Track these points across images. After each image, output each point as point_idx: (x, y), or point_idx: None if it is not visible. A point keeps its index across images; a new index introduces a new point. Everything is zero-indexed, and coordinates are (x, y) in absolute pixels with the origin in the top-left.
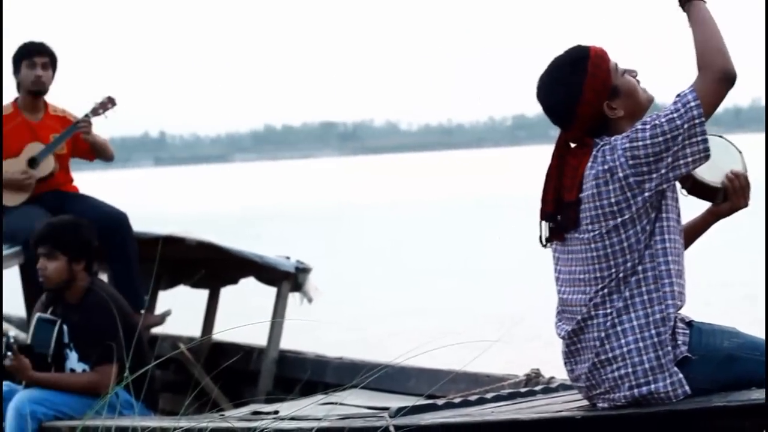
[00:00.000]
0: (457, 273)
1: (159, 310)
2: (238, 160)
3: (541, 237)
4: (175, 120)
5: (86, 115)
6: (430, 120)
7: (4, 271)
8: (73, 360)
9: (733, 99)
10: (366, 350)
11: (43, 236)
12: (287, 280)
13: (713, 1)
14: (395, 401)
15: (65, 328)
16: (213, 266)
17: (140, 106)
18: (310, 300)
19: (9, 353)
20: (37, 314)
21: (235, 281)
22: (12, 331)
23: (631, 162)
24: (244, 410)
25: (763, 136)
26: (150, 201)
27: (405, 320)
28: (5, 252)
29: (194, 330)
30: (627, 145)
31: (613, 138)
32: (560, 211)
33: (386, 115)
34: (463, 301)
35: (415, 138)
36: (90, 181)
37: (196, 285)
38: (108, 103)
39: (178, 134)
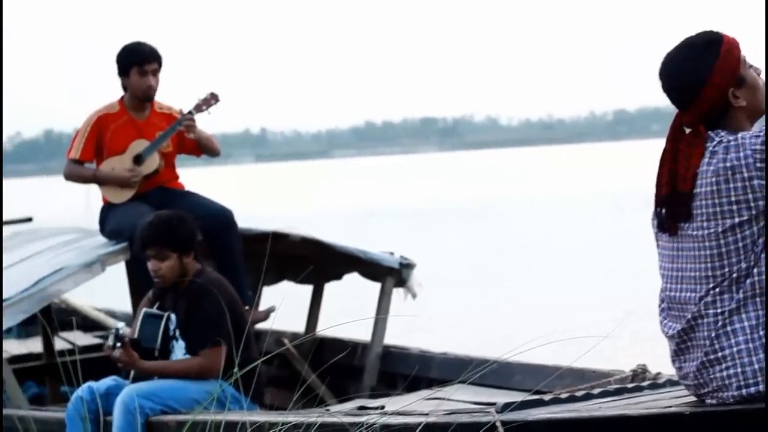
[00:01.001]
0: (561, 268)
1: (263, 305)
2: (339, 156)
3: (655, 223)
4: (276, 116)
5: (189, 112)
6: (530, 115)
7: (111, 267)
8: (179, 352)
9: None
10: (471, 346)
11: (150, 237)
12: (391, 275)
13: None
14: (501, 397)
15: (173, 318)
16: (317, 262)
17: (241, 102)
18: (414, 296)
19: (118, 344)
20: (144, 309)
21: (339, 277)
22: (120, 323)
23: (759, 165)
24: (350, 405)
25: None
26: (251, 197)
27: (510, 316)
28: (113, 248)
29: (298, 326)
30: (758, 147)
31: (740, 135)
32: (674, 198)
33: (486, 110)
34: (569, 298)
35: (515, 133)
36: (192, 177)
37: (300, 281)
38: (211, 99)
39: (279, 130)
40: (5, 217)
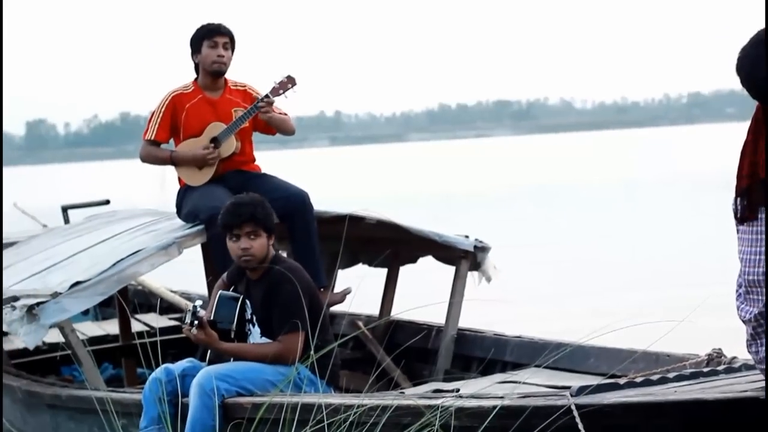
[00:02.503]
0: (637, 253)
1: (338, 288)
2: (414, 139)
3: (736, 212)
4: (351, 99)
5: (266, 96)
6: (604, 98)
7: (188, 249)
8: (255, 335)
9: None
10: (545, 330)
11: (248, 215)
12: (466, 258)
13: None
14: (575, 381)
15: (248, 303)
16: (392, 245)
17: (316, 85)
18: (488, 279)
19: (195, 321)
20: (220, 291)
21: (414, 260)
22: (198, 301)
23: None
24: (425, 388)
25: None
26: (326, 180)
27: (584, 300)
28: (189, 231)
29: (372, 309)
30: None
31: None
32: (754, 187)
33: (560, 93)
34: (644, 281)
35: (589, 116)
36: (267, 160)
37: (374, 264)
38: (288, 83)
39: (354, 113)
40: (83, 200)
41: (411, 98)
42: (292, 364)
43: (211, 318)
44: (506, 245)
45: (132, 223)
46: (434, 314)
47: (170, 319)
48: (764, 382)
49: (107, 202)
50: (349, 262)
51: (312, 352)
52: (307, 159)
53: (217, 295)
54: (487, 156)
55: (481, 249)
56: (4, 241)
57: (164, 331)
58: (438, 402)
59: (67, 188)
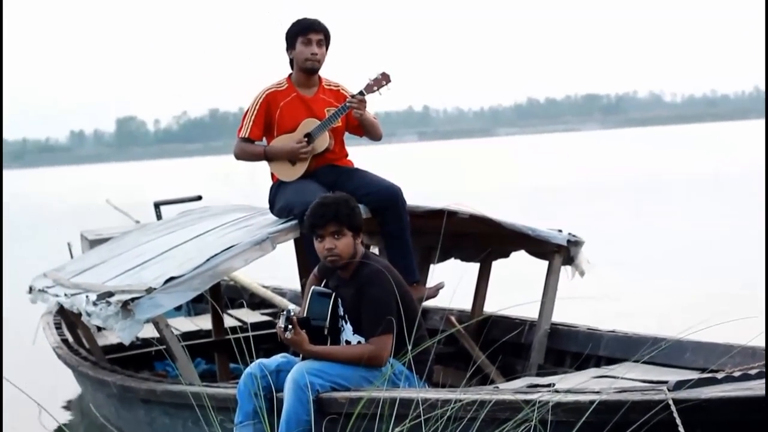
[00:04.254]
0: (729, 247)
1: (430, 283)
2: (502, 134)
3: None
4: (439, 94)
5: (360, 92)
6: (694, 91)
7: (281, 245)
8: (348, 332)
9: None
10: (640, 324)
11: (331, 215)
12: (559, 253)
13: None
14: (671, 375)
15: (339, 301)
16: (484, 240)
17: (404, 80)
18: (582, 273)
19: (290, 326)
20: (313, 287)
21: (506, 255)
22: (291, 306)
23: None
24: (519, 383)
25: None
26: (415, 175)
27: (679, 294)
28: (283, 226)
29: (464, 302)
30: None
31: None
32: None
33: (650, 86)
34: (737, 275)
35: (679, 109)
36: (357, 156)
37: (467, 258)
38: (382, 80)
39: (442, 108)
40: (176, 196)
41: (499, 92)
42: (383, 366)
43: (305, 315)
44: (598, 239)
45: (225, 219)
46: (527, 309)
47: (262, 314)
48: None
49: (199, 198)
50: (442, 257)
51: (409, 348)
52: (395, 154)
53: (310, 292)
54: (576, 150)
55: (575, 243)
56: (98, 237)
57: (256, 326)
58: (534, 397)
59: (156, 184)
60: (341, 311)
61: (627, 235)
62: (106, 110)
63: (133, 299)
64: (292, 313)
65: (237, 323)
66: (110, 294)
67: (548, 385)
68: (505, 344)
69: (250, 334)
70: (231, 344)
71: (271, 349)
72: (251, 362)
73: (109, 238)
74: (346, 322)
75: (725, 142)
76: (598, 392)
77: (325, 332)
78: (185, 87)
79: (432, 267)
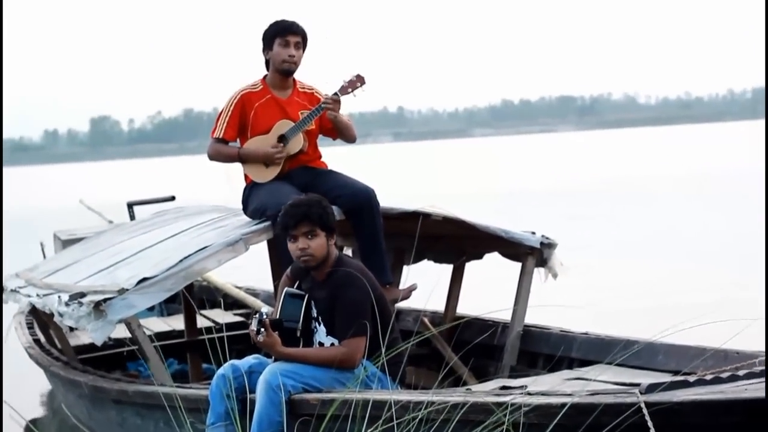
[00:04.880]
0: (703, 249)
1: (404, 284)
2: (477, 134)
3: None
4: (414, 95)
5: (335, 94)
6: (668, 93)
7: (254, 246)
8: (321, 334)
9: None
10: (611, 326)
11: (303, 215)
12: (532, 255)
13: None
14: (643, 378)
15: (312, 302)
16: (457, 241)
17: (379, 81)
18: (555, 276)
19: (262, 329)
20: (286, 289)
21: (479, 257)
22: (264, 308)
23: None
24: (492, 385)
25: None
26: (390, 176)
27: (651, 298)
28: (256, 227)
29: (437, 304)
30: None
31: None
32: None
33: (624, 88)
34: (712, 279)
35: (653, 111)
36: (331, 157)
37: (440, 260)
38: (357, 82)
39: (417, 109)
40: (149, 196)
41: (474, 94)
42: (356, 368)
43: (278, 317)
44: (571, 241)
45: (199, 219)
46: (499, 309)
47: (235, 314)
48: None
49: (173, 198)
50: (416, 258)
51: (383, 351)
52: (370, 155)
53: (283, 293)
54: (551, 151)
55: (548, 245)
56: (71, 237)
57: (230, 326)
58: (506, 399)
59: (130, 184)
60: (314, 313)
61: (601, 237)
62: (80, 109)
63: (105, 300)
64: (264, 316)
65: (210, 324)
66: (82, 294)
67: (520, 387)
68: (477, 346)
69: (225, 334)
70: (204, 345)
71: (243, 350)
72: (224, 363)
73: (82, 238)
74: (319, 324)
75: (700, 143)
76: (570, 395)
77: (298, 334)
78: (159, 87)
79: (405, 269)
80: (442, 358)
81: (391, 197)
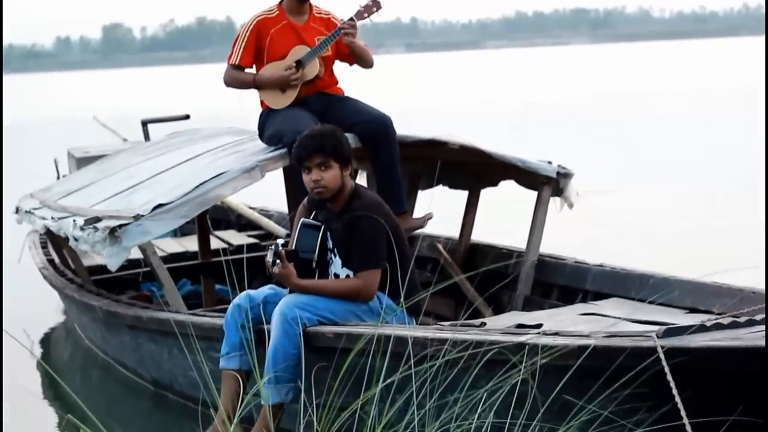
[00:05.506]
0: (716, 169)
1: (417, 209)
2: (490, 46)
3: None
4: (427, 5)
5: (351, 19)
6: (683, 7)
7: (270, 173)
8: (337, 265)
9: None
10: (626, 258)
11: (316, 147)
12: (548, 184)
13: None
14: (658, 315)
15: (328, 234)
16: (473, 168)
17: None
18: (570, 205)
19: (278, 260)
20: (302, 220)
21: (494, 184)
22: (280, 240)
23: None
24: (506, 319)
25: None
26: (402, 88)
27: (667, 226)
28: (272, 154)
29: (453, 230)
30: None
31: None
32: None
33: (638, 1)
34: (726, 202)
35: (667, 25)
36: (344, 69)
37: (455, 186)
38: (373, 6)
39: (430, 20)
40: (162, 109)
41: (488, 5)
42: (371, 300)
43: (293, 247)
44: (583, 161)
45: (214, 143)
46: (514, 238)
47: (249, 236)
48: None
49: (187, 116)
50: (429, 184)
51: (400, 285)
52: (383, 66)
53: (299, 224)
54: (563, 65)
55: (564, 175)
56: (85, 155)
57: (242, 248)
58: (522, 339)
59: (143, 94)
60: (330, 244)
61: (613, 157)
62: (93, 17)
63: (120, 226)
64: (280, 247)
65: (223, 245)
66: (98, 219)
67: (536, 326)
68: (492, 273)
69: (239, 256)
70: (218, 266)
71: (256, 272)
72: (237, 285)
73: (96, 156)
74: (335, 255)
75: (715, 58)
76: (586, 335)
77: (314, 265)
78: None
79: (420, 193)
80: (457, 285)
81: (403, 110)
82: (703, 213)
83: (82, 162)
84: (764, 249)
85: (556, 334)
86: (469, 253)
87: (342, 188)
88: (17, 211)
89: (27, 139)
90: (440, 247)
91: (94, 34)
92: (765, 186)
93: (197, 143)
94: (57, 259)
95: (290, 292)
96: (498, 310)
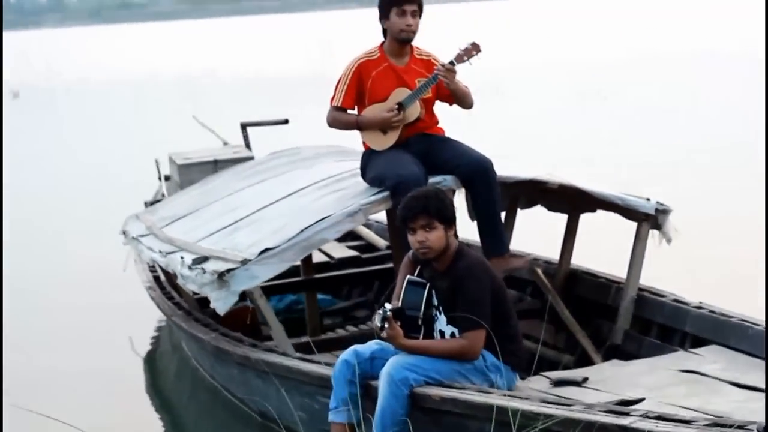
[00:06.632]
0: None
1: (516, 231)
2: None
3: None
4: None
5: (451, 62)
6: None
7: (374, 216)
8: (442, 322)
9: None
10: (728, 298)
11: (421, 208)
12: (647, 221)
13: None
14: (756, 372)
15: (433, 292)
16: (572, 195)
17: None
18: (669, 240)
19: (385, 325)
20: (408, 277)
21: (593, 210)
22: (388, 305)
23: None
24: (607, 370)
25: None
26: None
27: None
28: (375, 197)
29: (552, 253)
30: None
31: None
32: None
33: None
34: None
35: None
36: (430, 14)
37: (553, 208)
38: (473, 50)
39: None
40: (263, 118)
41: None
42: (477, 359)
43: (400, 305)
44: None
45: (316, 173)
46: (613, 265)
47: (349, 247)
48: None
49: (286, 121)
50: (528, 204)
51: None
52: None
53: (405, 282)
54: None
55: (662, 212)
56: (186, 162)
57: (344, 262)
58: (626, 422)
59: (234, 47)
60: (435, 302)
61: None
62: None
63: (228, 270)
64: (388, 312)
65: (325, 258)
66: (205, 259)
67: (638, 401)
68: (590, 302)
69: (345, 272)
70: (320, 282)
71: (356, 284)
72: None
73: (197, 164)
74: (440, 313)
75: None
76: (689, 422)
77: (419, 322)
78: None
79: (520, 213)
80: (554, 309)
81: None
82: None
83: (183, 169)
84: None
85: (659, 418)
86: (568, 279)
87: (446, 248)
88: (124, 234)
89: (123, 90)
90: (539, 271)
91: None
92: None
93: (298, 169)
94: (163, 276)
95: (396, 350)
96: (596, 339)
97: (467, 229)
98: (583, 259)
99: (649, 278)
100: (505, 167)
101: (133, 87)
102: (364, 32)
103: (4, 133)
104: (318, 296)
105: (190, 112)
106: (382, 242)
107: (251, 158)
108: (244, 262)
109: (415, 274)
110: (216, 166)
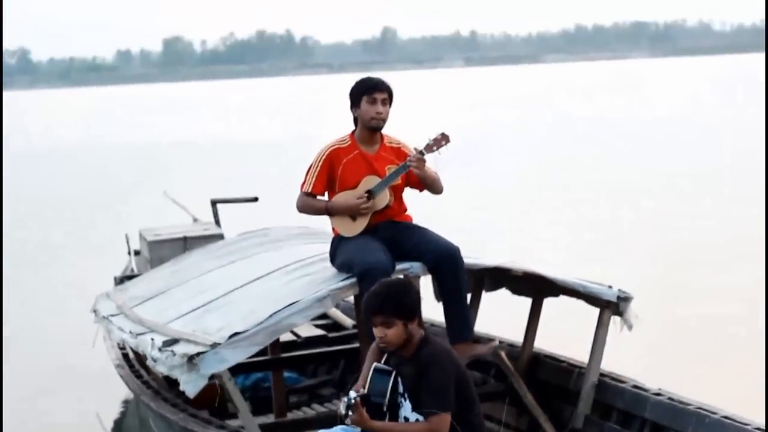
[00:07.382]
0: None
1: (481, 312)
2: (549, 60)
3: None
4: (487, 19)
5: (420, 152)
6: (744, 20)
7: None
8: (407, 409)
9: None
10: (687, 386)
11: (376, 306)
12: (608, 308)
13: None
14: None
15: (399, 379)
16: (535, 280)
17: (451, 3)
18: (630, 327)
19: (350, 412)
20: (374, 365)
21: (556, 295)
22: (353, 393)
23: None
24: None
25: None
26: (460, 102)
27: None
28: (343, 284)
29: (516, 335)
30: None
31: None
32: None
33: (699, 14)
34: None
35: (728, 39)
36: (403, 81)
37: (517, 292)
38: (442, 140)
39: (489, 33)
40: (232, 195)
41: (547, 18)
42: None
43: (365, 392)
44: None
45: (285, 257)
46: (575, 349)
47: (315, 326)
48: None
49: (256, 199)
50: (494, 287)
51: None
52: (441, 79)
53: (372, 368)
54: (623, 78)
55: (624, 299)
56: (156, 239)
57: (311, 341)
58: None
59: (200, 106)
60: (401, 388)
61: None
62: (153, 30)
63: (198, 353)
64: (353, 400)
65: (292, 337)
66: (175, 341)
67: None
68: (552, 385)
69: (312, 351)
70: (287, 362)
71: (322, 362)
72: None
73: (167, 240)
74: (405, 399)
75: None
76: None
77: (384, 409)
78: (232, 8)
79: (485, 295)
80: (516, 392)
81: (457, 126)
82: None
83: (153, 245)
84: None
85: None
86: (531, 363)
87: (409, 339)
88: (95, 313)
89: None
90: (503, 355)
91: (154, 47)
92: None
93: (268, 251)
94: (131, 354)
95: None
96: (558, 423)
97: (433, 310)
98: (546, 341)
99: (611, 362)
100: (472, 252)
101: (101, 153)
102: (333, 97)
103: None
104: (284, 374)
105: (160, 179)
106: (348, 321)
107: (221, 235)
108: (214, 345)
109: (382, 361)
110: (186, 243)
